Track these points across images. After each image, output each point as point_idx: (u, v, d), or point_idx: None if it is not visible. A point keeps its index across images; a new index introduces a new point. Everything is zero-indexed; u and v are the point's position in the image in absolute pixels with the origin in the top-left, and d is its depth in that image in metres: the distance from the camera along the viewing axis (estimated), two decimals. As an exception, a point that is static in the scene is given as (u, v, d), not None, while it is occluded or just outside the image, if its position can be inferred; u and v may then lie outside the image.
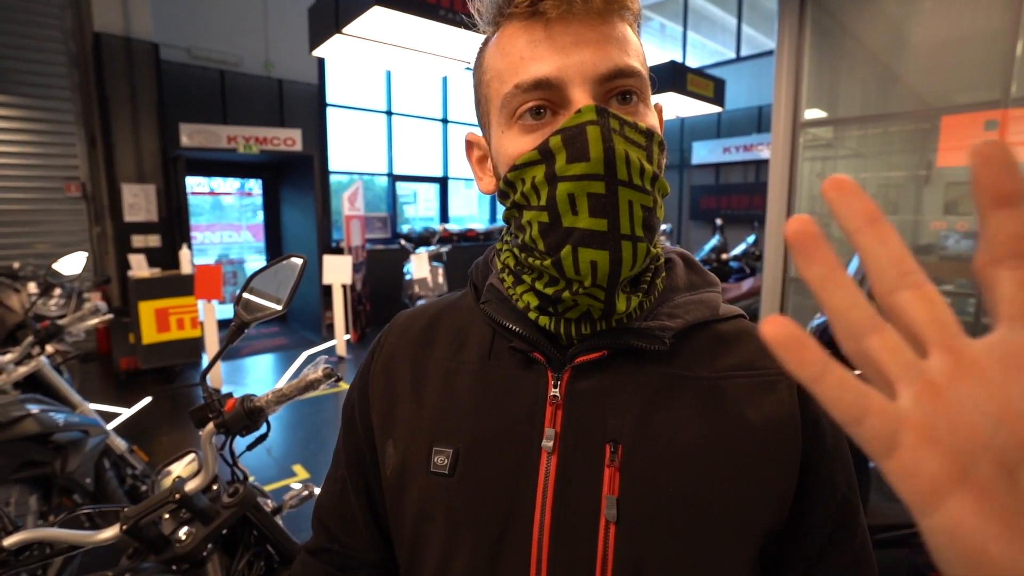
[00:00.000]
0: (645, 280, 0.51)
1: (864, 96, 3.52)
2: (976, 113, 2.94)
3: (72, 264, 1.87)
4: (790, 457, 0.47)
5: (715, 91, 6.09)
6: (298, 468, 3.13)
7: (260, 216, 7.29)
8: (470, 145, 0.56)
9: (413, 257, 6.17)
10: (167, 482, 1.00)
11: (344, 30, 3.51)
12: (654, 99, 0.51)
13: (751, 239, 7.14)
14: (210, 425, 0.90)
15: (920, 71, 3.22)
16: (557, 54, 0.44)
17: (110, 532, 0.85)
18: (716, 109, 6.24)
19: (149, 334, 4.49)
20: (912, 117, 3.33)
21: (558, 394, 0.49)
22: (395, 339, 0.60)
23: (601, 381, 0.49)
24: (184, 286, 4.62)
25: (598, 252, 0.43)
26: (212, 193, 7.34)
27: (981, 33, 2.87)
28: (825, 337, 2.08)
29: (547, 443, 0.48)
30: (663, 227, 6.53)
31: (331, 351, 5.60)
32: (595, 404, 0.48)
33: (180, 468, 1.04)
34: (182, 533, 0.91)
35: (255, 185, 7.22)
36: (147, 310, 4.48)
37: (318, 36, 3.81)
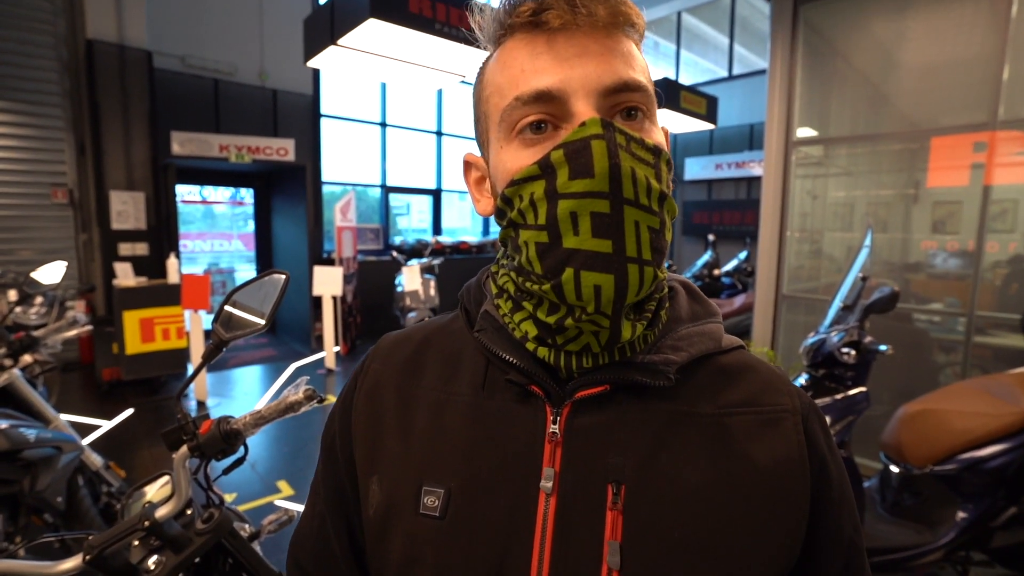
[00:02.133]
0: (649, 308, 0.48)
1: (854, 116, 3.56)
2: (965, 135, 2.97)
3: (51, 273, 1.82)
4: (799, 499, 0.45)
5: (708, 108, 6.15)
6: (283, 484, 3.05)
7: (251, 225, 7.24)
8: (468, 166, 0.54)
9: (405, 269, 6.13)
10: (138, 507, 0.95)
11: (339, 42, 3.50)
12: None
13: (743, 255, 7.18)
14: (184, 448, 0.85)
15: (909, 93, 3.26)
16: (560, 65, 0.42)
17: (71, 563, 0.80)
18: (709, 126, 6.30)
19: (133, 344, 4.41)
20: (902, 138, 3.36)
21: (557, 431, 0.46)
22: (380, 365, 0.56)
23: (603, 417, 0.46)
24: (171, 296, 4.55)
25: (602, 276, 0.40)
26: (204, 202, 7.28)
27: (969, 57, 2.91)
28: (818, 357, 2.07)
29: (546, 483, 0.45)
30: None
31: (320, 363, 5.52)
32: (596, 442, 0.46)
33: (153, 491, 0.99)
34: (151, 562, 0.86)
35: (247, 194, 7.17)
36: (131, 320, 4.40)
37: (313, 47, 3.80)
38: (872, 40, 3.33)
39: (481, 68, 0.50)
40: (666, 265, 0.50)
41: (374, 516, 0.51)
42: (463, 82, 5.09)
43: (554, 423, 0.46)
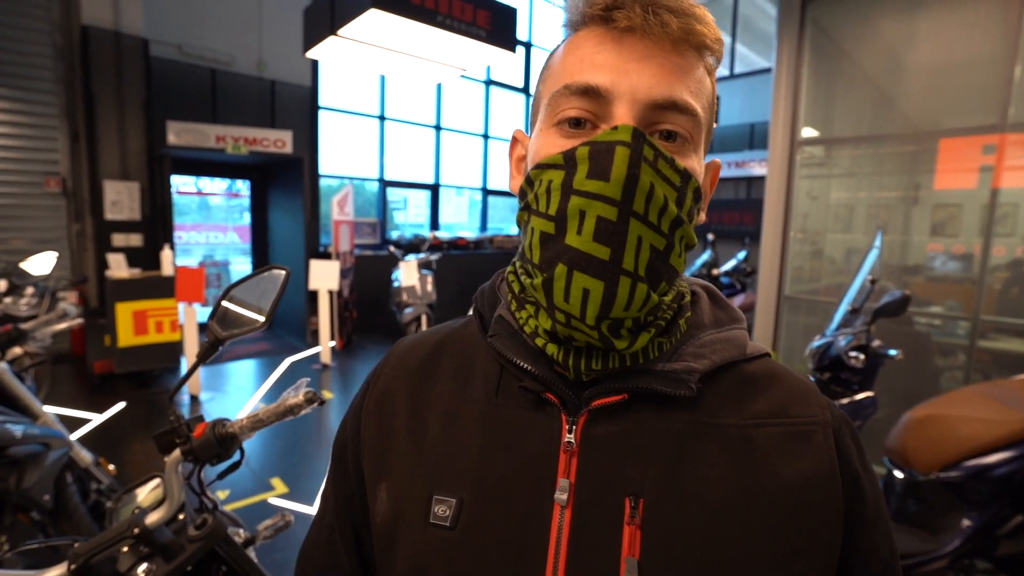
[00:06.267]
0: (663, 319, 0.46)
1: (859, 117, 3.53)
2: (974, 137, 2.94)
3: (41, 263, 1.76)
4: (831, 518, 0.43)
5: (710, 107, 6.11)
6: (276, 482, 3.00)
7: (247, 217, 7.16)
8: (514, 142, 0.54)
9: (402, 264, 6.08)
10: (127, 511, 0.90)
11: (339, 32, 3.44)
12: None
13: (742, 255, 7.16)
14: (176, 451, 0.81)
15: (917, 94, 3.22)
16: (617, 66, 0.42)
17: (56, 572, 0.75)
18: (710, 125, 6.25)
19: (126, 336, 4.34)
20: (910, 139, 3.33)
21: (573, 440, 0.44)
22: (392, 371, 0.55)
23: (620, 427, 0.44)
24: (164, 288, 4.48)
25: (593, 281, 0.40)
26: (199, 193, 7.20)
27: (978, 57, 2.87)
28: (824, 360, 2.04)
29: (560, 495, 0.43)
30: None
31: (315, 358, 5.47)
32: (614, 453, 0.44)
33: (143, 495, 0.94)
34: (140, 571, 0.81)
35: (243, 186, 7.09)
36: (124, 312, 4.33)
37: (312, 37, 3.74)
38: (880, 40, 3.29)
39: (553, 50, 0.49)
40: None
41: (381, 525, 0.49)
42: (464, 76, 5.02)
43: (570, 432, 0.44)
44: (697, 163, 0.44)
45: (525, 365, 0.46)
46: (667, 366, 0.45)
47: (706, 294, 0.53)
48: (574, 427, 0.44)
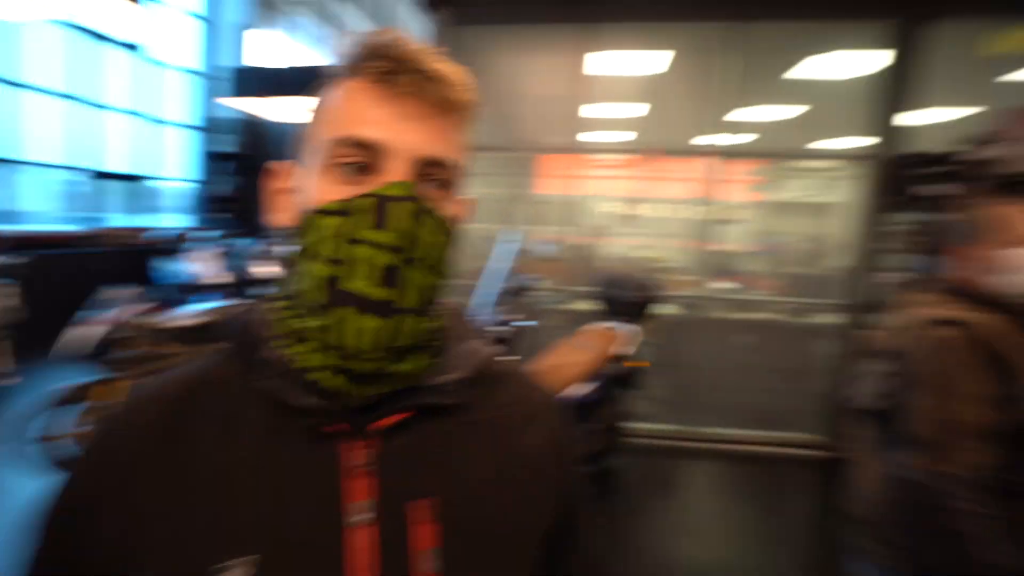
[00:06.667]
0: (435, 342, 0.54)
1: (491, 128, 4.36)
2: (558, 155, 4.01)
3: None
4: (557, 472, 0.58)
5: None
6: None
7: None
8: (272, 174, 0.55)
9: (-46, 273, 4.26)
10: None
11: None
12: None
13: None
14: None
15: (525, 116, 4.19)
16: (393, 124, 0.47)
17: None
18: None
19: None
20: (522, 150, 4.29)
21: (366, 463, 0.49)
22: (126, 433, 0.50)
23: (407, 441, 0.51)
24: None
25: (378, 320, 0.45)
26: None
27: (559, 94, 3.92)
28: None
29: (362, 516, 0.47)
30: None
31: None
32: (404, 464, 0.50)
33: None
34: None
35: None
36: None
37: None
38: (502, 69, 4.12)
39: (327, 84, 0.52)
40: None
41: None
42: (55, 23, 3.71)
43: (362, 456, 0.49)
44: (458, 205, 0.53)
45: (305, 403, 0.48)
46: (436, 380, 0.52)
47: (454, 313, 0.61)
48: (365, 451, 0.49)
